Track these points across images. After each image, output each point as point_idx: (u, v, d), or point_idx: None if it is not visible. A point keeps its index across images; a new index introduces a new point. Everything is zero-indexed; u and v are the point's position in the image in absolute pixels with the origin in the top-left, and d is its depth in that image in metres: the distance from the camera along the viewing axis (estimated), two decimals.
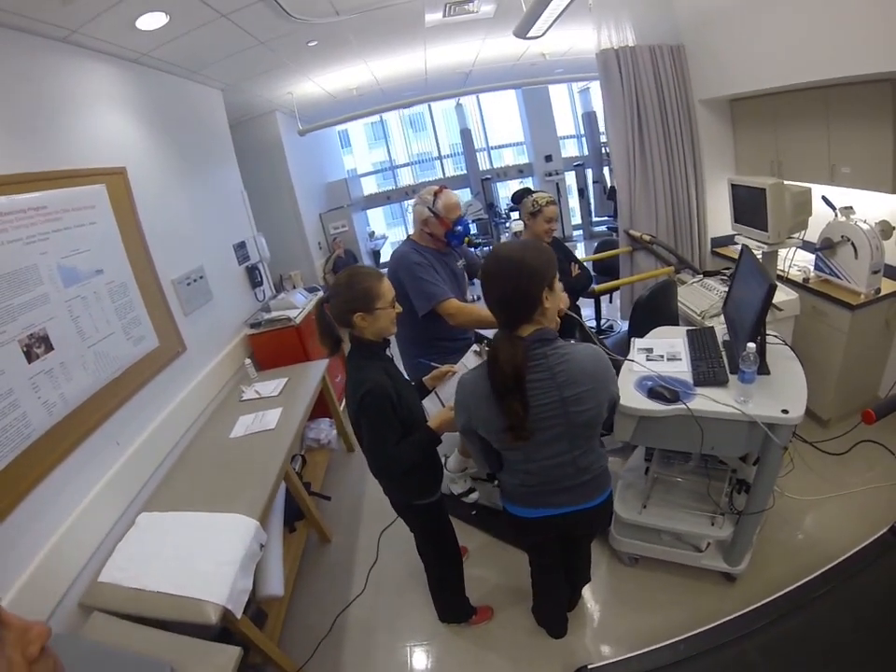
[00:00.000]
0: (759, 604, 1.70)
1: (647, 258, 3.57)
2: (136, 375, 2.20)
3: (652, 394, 1.65)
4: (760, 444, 1.59)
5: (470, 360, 1.80)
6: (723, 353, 1.83)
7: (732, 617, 1.67)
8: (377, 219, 8.71)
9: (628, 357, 1.89)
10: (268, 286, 3.99)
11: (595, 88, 7.42)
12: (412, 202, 2.21)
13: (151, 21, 2.25)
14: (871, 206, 2.60)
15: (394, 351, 2.07)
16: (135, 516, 1.90)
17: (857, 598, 1.67)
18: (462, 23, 3.56)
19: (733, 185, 2.97)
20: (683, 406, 1.57)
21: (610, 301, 4.47)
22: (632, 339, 2.08)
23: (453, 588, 1.94)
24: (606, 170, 7.79)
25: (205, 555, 1.60)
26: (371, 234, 7.58)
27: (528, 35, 2.99)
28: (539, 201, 2.55)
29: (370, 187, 8.70)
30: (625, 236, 3.56)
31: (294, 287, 3.95)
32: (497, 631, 1.99)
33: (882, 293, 2.53)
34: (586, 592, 2.04)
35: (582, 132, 8.12)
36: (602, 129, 7.69)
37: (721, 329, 2.05)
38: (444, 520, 1.79)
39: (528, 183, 8.04)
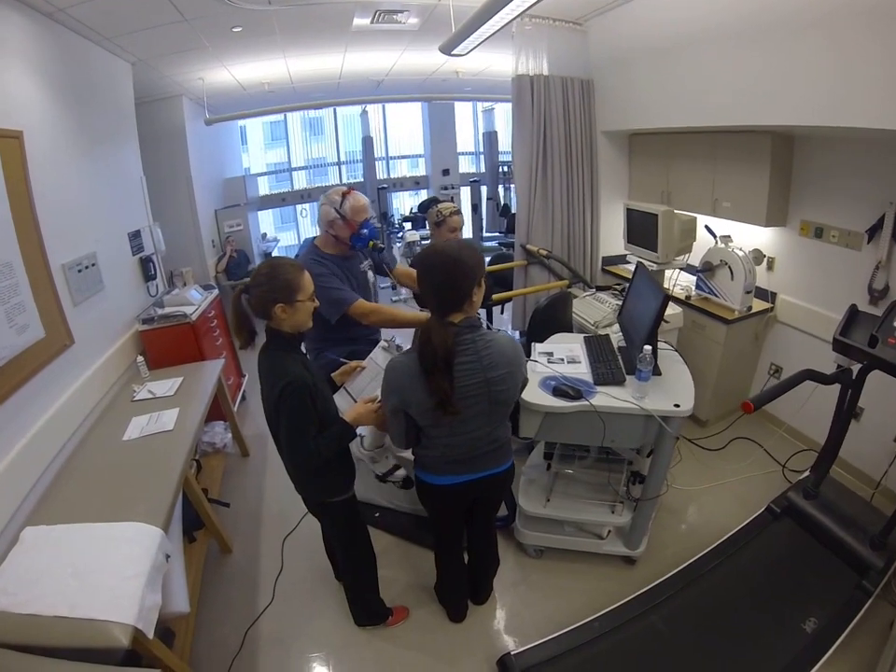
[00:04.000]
0: (659, 580, 1.91)
1: (541, 272, 3.74)
2: (18, 370, 1.93)
3: (557, 392, 1.79)
4: (654, 436, 1.78)
5: (379, 356, 1.83)
6: (619, 357, 2.03)
7: (637, 594, 1.86)
8: (267, 222, 8.39)
9: (531, 358, 2.03)
10: (161, 280, 3.69)
11: (500, 109, 7.91)
12: (319, 201, 2.13)
13: None
14: (746, 236, 3.03)
15: None
16: (19, 532, 1.64)
17: (744, 567, 1.94)
18: (387, 32, 3.61)
19: (628, 209, 3.28)
20: (587, 402, 1.72)
21: (502, 312, 4.61)
22: (532, 343, 2.22)
23: (369, 589, 1.92)
24: (500, 188, 8.22)
25: (106, 571, 1.43)
26: (264, 236, 7.31)
27: (453, 53, 3.10)
28: (443, 211, 2.64)
29: (264, 187, 8.34)
30: (521, 250, 3.72)
31: (185, 285, 3.67)
32: (414, 630, 1.99)
33: (753, 310, 2.96)
34: (497, 584, 2.11)
35: (482, 149, 8.51)
36: (501, 148, 8.16)
37: (615, 336, 2.27)
38: (358, 518, 1.78)
39: (424, 195, 8.22)
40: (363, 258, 2.29)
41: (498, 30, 2.69)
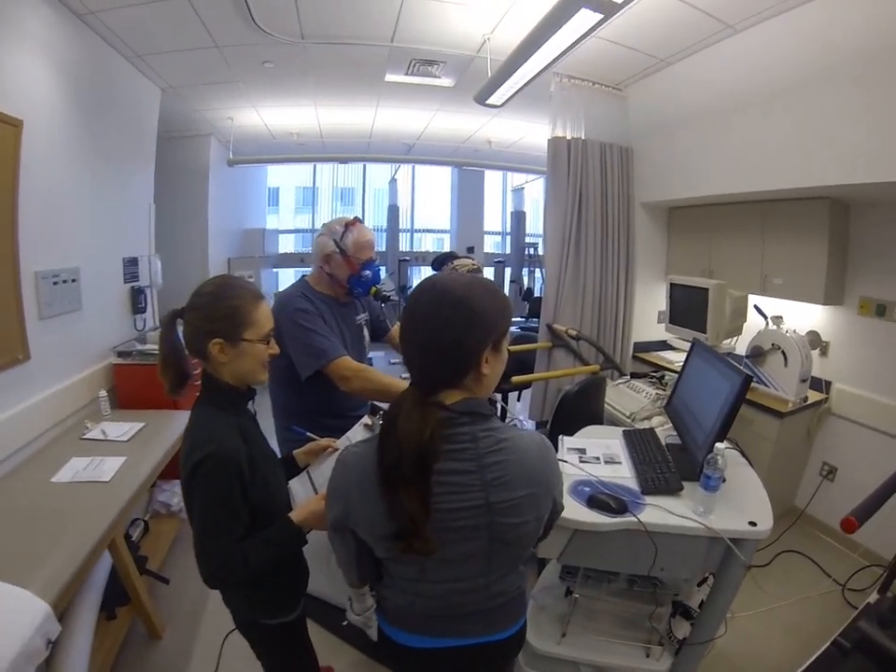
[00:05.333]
0: None
1: (566, 356, 3.34)
2: None
3: (593, 502, 1.35)
4: (717, 563, 1.34)
5: (358, 435, 1.37)
6: (669, 457, 1.61)
7: None
8: (287, 282, 8.13)
9: (559, 457, 1.60)
10: (152, 315, 3.41)
11: (530, 188, 7.85)
12: (318, 232, 1.77)
13: None
14: (797, 317, 2.70)
15: (266, 418, 1.57)
16: None
17: None
18: (420, 87, 3.56)
19: (672, 284, 3.00)
20: (634, 518, 1.28)
21: (518, 399, 3.99)
22: (560, 437, 1.80)
23: None
24: (525, 271, 8.05)
25: None
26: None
27: (488, 102, 2.99)
28: (459, 268, 2.33)
29: (286, 245, 8.21)
30: (546, 331, 3.34)
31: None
32: None
33: (808, 401, 2.57)
34: None
35: (509, 230, 8.39)
36: (529, 230, 8.04)
37: (661, 431, 1.86)
38: (302, 645, 1.31)
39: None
40: (361, 308, 1.89)
41: (532, 78, 2.58)
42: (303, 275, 1.84)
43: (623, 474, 1.51)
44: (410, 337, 0.86)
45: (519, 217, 8.05)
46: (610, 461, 1.61)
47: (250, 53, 2.92)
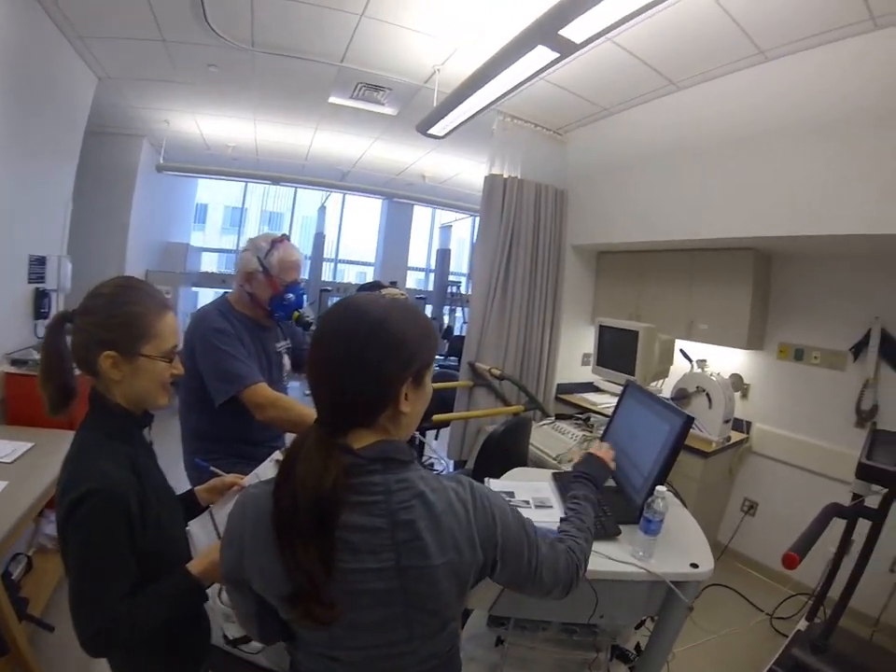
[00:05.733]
0: None
1: (487, 395, 3.29)
2: None
3: None
4: (658, 606, 1.30)
5: (269, 472, 1.21)
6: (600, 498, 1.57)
7: None
8: (205, 301, 7.87)
9: None
10: None
11: (458, 226, 8.06)
12: (242, 248, 1.64)
13: None
14: (722, 361, 2.86)
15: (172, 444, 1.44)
16: None
17: None
18: (363, 112, 3.54)
19: (601, 326, 3.05)
20: None
21: (436, 438, 3.86)
22: (486, 480, 1.69)
23: None
24: (446, 309, 8.20)
25: None
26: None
27: (430, 132, 2.98)
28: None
29: (209, 264, 7.91)
30: (468, 370, 3.25)
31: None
32: None
33: (731, 441, 2.69)
34: None
35: (433, 266, 8.50)
36: (453, 268, 8.18)
37: None
38: None
39: None
40: (282, 335, 1.75)
41: (479, 111, 2.62)
42: (225, 293, 1.70)
43: (555, 519, 1.43)
44: (317, 365, 0.73)
45: (444, 255, 8.15)
46: (541, 505, 1.53)
47: (197, 53, 2.78)
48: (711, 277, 2.83)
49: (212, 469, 1.22)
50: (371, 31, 2.43)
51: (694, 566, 1.26)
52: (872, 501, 1.67)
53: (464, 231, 8.11)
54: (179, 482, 1.24)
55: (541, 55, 1.84)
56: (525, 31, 1.76)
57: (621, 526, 1.39)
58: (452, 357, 6.43)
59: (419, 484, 0.73)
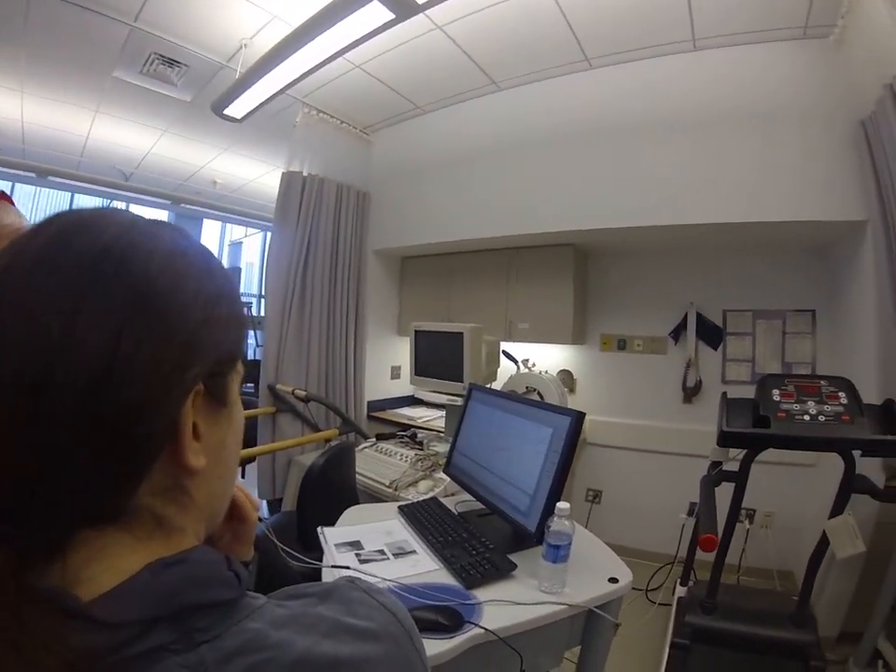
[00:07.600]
0: None
1: (293, 421, 2.90)
2: None
3: (416, 624, 0.90)
4: (580, 635, 1.08)
5: None
6: (475, 531, 1.29)
7: None
8: None
9: (330, 564, 1.12)
10: None
11: (248, 243, 7.57)
12: None
13: None
14: (545, 358, 2.87)
15: None
16: None
17: None
18: (152, 95, 2.89)
19: (417, 332, 2.68)
20: (479, 629, 0.90)
21: (243, 476, 3.10)
22: (319, 530, 1.31)
23: None
24: None
25: None
26: None
27: (226, 112, 2.48)
28: None
29: None
30: (268, 393, 2.86)
31: None
32: None
33: None
34: None
35: None
36: (243, 289, 7.53)
37: (446, 500, 1.55)
38: None
39: None
40: None
41: (288, 86, 2.25)
42: None
43: (427, 567, 1.13)
44: None
45: (234, 274, 7.51)
46: (401, 552, 1.20)
47: None
48: (531, 275, 2.84)
49: None
50: None
51: (614, 580, 1.08)
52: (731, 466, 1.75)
53: (254, 252, 7.55)
54: None
55: (375, 14, 1.56)
56: None
57: (511, 557, 1.13)
58: (248, 385, 5.69)
59: (282, 637, 0.30)
